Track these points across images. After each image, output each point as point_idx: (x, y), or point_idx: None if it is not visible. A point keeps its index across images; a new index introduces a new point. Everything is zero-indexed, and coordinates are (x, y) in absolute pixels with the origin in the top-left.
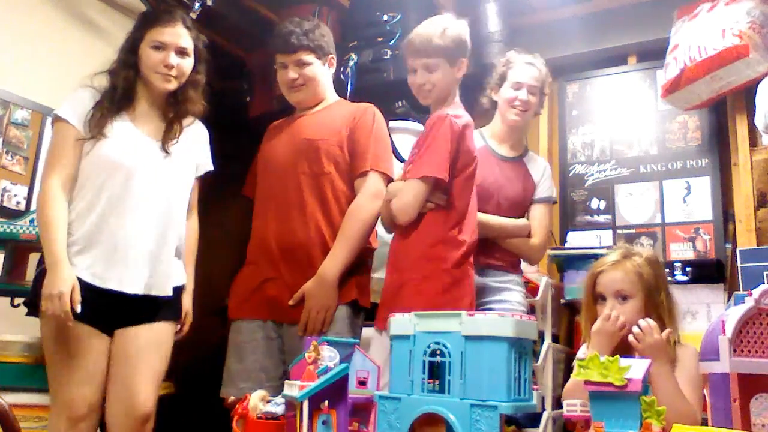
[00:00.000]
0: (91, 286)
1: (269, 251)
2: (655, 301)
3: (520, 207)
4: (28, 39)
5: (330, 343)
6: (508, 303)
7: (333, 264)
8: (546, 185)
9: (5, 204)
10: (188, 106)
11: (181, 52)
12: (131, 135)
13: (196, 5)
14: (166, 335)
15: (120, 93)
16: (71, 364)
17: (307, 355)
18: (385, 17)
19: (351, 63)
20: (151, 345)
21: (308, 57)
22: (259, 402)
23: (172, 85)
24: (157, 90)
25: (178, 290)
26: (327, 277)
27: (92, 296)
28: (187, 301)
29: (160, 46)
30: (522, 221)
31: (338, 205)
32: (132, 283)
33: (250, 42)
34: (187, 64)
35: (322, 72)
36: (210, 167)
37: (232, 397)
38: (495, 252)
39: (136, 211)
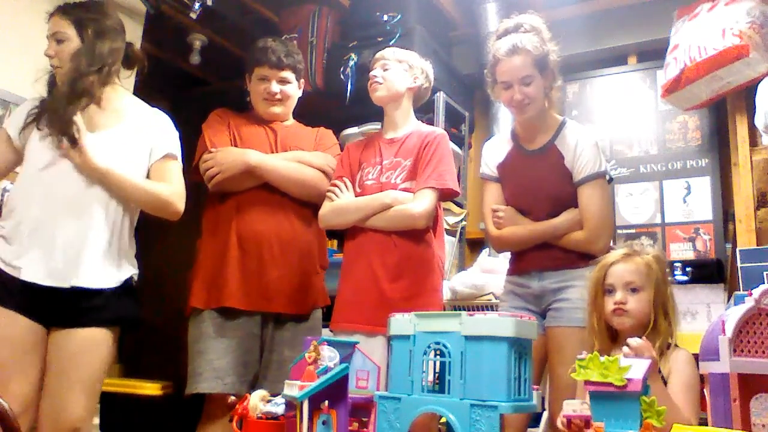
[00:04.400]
0: (9, 276)
1: (267, 245)
2: (663, 296)
3: (566, 198)
4: (27, 40)
5: (330, 343)
6: (568, 301)
7: (272, 159)
8: (582, 162)
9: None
10: (79, 89)
11: (57, 40)
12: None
13: (196, 5)
14: (98, 341)
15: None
16: None
17: (307, 355)
18: (385, 17)
19: (351, 63)
20: (82, 352)
21: (290, 75)
22: (259, 402)
23: (61, 74)
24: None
25: (118, 291)
26: (258, 157)
27: (20, 287)
28: None
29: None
30: (570, 214)
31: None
32: (42, 274)
33: (250, 42)
34: (66, 48)
35: (296, 92)
36: (166, 151)
37: (232, 397)
38: (554, 251)
39: (44, 203)
